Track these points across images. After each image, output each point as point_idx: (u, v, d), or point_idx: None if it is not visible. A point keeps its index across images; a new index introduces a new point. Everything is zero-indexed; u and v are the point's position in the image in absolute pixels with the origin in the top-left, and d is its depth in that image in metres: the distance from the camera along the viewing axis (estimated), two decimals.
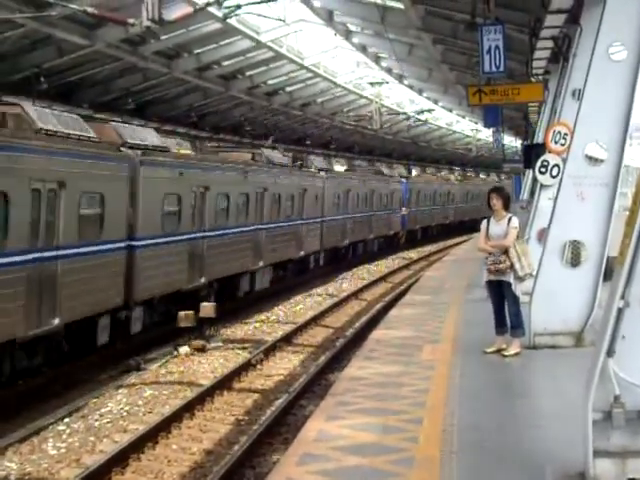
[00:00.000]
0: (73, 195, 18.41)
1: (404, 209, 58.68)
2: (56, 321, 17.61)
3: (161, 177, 22.82)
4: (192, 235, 24.75)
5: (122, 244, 20.60)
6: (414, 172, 73.00)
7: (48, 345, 18.00)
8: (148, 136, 23.72)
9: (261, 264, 30.84)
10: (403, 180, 60.88)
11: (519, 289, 13.95)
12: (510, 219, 14.00)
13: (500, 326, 14.30)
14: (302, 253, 37.32)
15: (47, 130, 18.23)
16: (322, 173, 42.77)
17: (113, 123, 24.01)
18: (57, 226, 17.77)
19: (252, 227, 30.04)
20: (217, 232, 26.57)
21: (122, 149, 21.30)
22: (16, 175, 16.36)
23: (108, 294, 19.92)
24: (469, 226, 68.08)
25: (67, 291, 17.91)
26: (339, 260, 45.09)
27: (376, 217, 51.70)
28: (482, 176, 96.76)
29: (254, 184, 30.23)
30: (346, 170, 53.01)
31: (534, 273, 14.12)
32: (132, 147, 21.87)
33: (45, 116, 18.81)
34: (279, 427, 14.90)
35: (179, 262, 23.76)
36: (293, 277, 37.20)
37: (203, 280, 25.38)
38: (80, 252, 18.62)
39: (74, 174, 18.39)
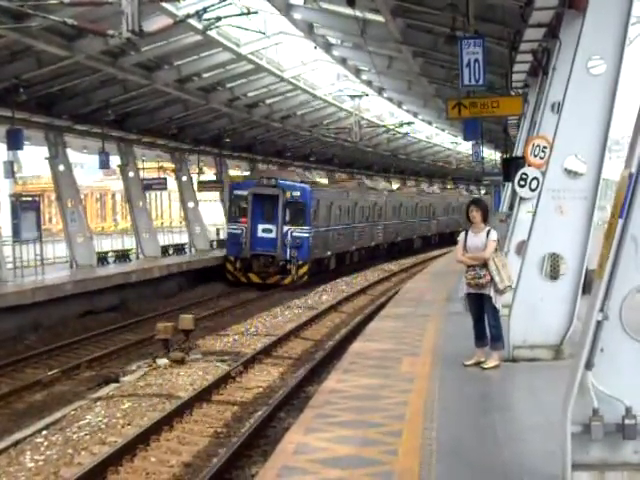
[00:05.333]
0: None
1: None
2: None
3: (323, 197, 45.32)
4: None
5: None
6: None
7: None
8: (316, 177, 40.19)
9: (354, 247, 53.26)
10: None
11: (499, 302, 13.94)
12: (489, 232, 14.01)
13: (479, 339, 14.29)
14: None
15: None
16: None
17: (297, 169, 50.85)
18: None
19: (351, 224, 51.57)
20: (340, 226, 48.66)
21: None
22: None
23: None
24: None
25: None
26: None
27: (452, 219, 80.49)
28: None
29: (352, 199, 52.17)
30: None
31: (513, 286, 14.14)
32: (306, 182, 43.78)
33: None
34: (258, 440, 14.83)
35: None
36: None
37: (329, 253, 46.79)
38: None
39: None
